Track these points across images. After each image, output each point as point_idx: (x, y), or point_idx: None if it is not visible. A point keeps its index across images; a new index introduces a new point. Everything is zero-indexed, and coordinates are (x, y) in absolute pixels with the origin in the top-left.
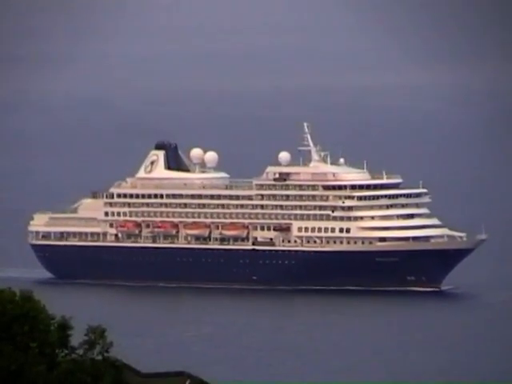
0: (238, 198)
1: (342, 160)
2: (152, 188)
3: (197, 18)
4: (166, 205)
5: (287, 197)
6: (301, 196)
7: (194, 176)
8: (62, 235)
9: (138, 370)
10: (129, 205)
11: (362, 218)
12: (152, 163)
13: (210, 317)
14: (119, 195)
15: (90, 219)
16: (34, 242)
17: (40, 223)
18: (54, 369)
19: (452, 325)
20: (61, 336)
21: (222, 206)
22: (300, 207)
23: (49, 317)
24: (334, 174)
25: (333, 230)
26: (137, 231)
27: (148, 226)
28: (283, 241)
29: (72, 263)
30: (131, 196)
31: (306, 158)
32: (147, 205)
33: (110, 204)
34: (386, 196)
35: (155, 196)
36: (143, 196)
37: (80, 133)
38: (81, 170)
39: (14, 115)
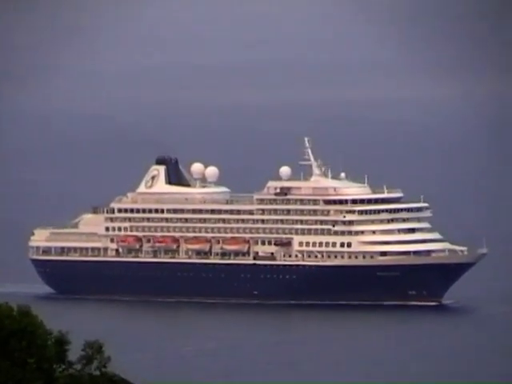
0: (238, 212)
1: (342, 174)
2: (153, 203)
3: (197, 31)
4: (166, 219)
5: (288, 211)
6: (302, 210)
7: (195, 191)
8: (62, 250)
9: None
10: (129, 220)
11: (362, 232)
12: (153, 178)
13: (211, 332)
14: (120, 210)
15: (91, 234)
16: (35, 257)
17: (41, 238)
18: None
19: (453, 339)
20: (58, 351)
21: (223, 220)
22: (301, 222)
23: (46, 332)
24: (334, 189)
25: (334, 244)
26: (137, 246)
27: (149, 240)
28: (284, 255)
29: (73, 278)
30: (132, 211)
31: (307, 172)
32: (148, 220)
33: (111, 219)
34: (386, 210)
35: (156, 211)
36: (144, 211)
37: (80, 147)
38: (81, 184)
39: (13, 129)
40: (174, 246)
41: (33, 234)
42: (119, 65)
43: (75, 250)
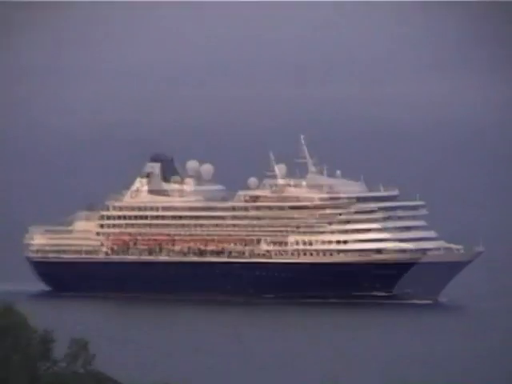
0: (233, 209)
1: (338, 172)
2: (147, 201)
3: (195, 28)
4: (162, 217)
5: (283, 209)
6: (297, 208)
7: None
8: (57, 248)
9: (121, 382)
10: (124, 217)
11: (358, 230)
12: (147, 176)
13: (205, 329)
14: (114, 208)
15: (85, 232)
16: (30, 254)
17: (35, 236)
18: (35, 382)
19: (448, 337)
20: (43, 349)
21: (218, 218)
22: (297, 219)
23: (31, 330)
24: (330, 187)
25: (330, 242)
26: (132, 245)
27: (143, 239)
28: (280, 253)
29: (67, 276)
30: (126, 209)
31: (303, 170)
32: (141, 218)
33: (105, 217)
34: (382, 208)
35: (151, 209)
36: (139, 209)
37: (75, 146)
38: (76, 183)
39: (9, 128)
40: (170, 245)
41: (27, 231)
42: (114, 64)
43: (70, 248)
